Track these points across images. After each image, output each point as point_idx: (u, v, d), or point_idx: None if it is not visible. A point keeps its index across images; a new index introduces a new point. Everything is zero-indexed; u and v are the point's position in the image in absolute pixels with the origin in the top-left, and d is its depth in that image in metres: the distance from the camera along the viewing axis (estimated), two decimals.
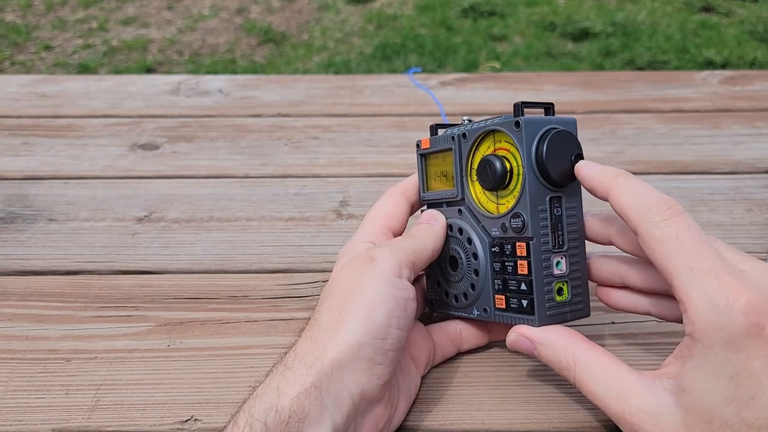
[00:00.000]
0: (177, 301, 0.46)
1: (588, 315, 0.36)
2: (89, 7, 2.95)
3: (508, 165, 0.35)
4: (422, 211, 0.41)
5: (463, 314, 0.39)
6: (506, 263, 0.36)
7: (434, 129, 0.41)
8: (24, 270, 0.50)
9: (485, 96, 0.72)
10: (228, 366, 0.41)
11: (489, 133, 0.36)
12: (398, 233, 0.40)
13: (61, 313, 0.45)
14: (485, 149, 0.37)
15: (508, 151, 0.35)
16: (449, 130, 0.39)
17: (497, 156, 0.35)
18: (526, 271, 0.34)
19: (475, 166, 0.37)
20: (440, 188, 0.40)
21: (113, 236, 0.53)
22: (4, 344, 0.43)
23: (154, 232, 0.53)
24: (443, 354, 0.40)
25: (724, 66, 2.27)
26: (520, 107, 0.34)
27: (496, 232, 0.36)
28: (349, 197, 0.57)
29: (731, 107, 0.68)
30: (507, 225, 0.35)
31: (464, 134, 0.38)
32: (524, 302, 0.35)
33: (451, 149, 0.38)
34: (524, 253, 0.34)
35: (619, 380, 0.31)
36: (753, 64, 2.29)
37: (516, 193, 0.35)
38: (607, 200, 0.33)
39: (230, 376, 0.40)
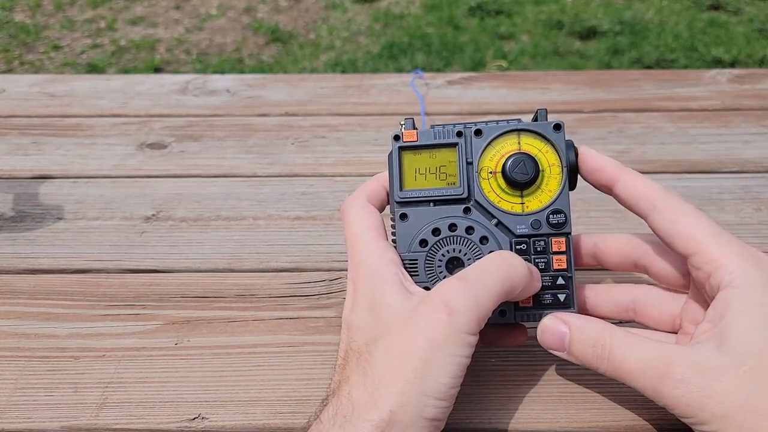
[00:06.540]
0: (184, 300, 0.47)
1: (575, 309, 0.37)
2: (97, 7, 2.96)
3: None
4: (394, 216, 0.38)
5: None
6: (536, 260, 0.36)
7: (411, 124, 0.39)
8: (33, 268, 0.50)
9: (492, 95, 0.72)
10: (235, 364, 0.41)
11: (509, 132, 0.37)
12: None
13: (69, 311, 0.46)
14: (503, 148, 0.37)
15: (540, 150, 0.37)
16: (447, 126, 0.38)
17: (531, 155, 0.36)
18: (564, 266, 0.36)
19: (488, 164, 0.37)
20: (426, 186, 0.37)
21: (121, 235, 0.53)
22: (14, 342, 0.43)
23: (162, 231, 0.53)
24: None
25: (732, 64, 2.25)
26: (545, 112, 0.37)
27: (523, 229, 0.36)
28: None
29: (740, 106, 0.68)
30: (542, 221, 0.36)
31: (479, 131, 0.37)
32: (561, 296, 0.36)
33: (453, 145, 0.37)
34: (563, 249, 0.36)
35: (658, 349, 0.32)
36: (762, 63, 2.27)
37: (549, 190, 0.36)
38: (611, 186, 0.36)
39: (237, 374, 0.41)
